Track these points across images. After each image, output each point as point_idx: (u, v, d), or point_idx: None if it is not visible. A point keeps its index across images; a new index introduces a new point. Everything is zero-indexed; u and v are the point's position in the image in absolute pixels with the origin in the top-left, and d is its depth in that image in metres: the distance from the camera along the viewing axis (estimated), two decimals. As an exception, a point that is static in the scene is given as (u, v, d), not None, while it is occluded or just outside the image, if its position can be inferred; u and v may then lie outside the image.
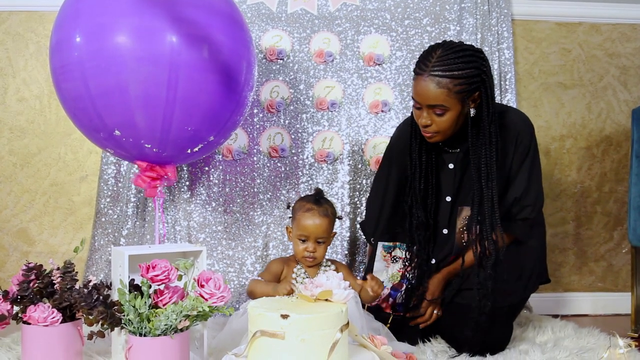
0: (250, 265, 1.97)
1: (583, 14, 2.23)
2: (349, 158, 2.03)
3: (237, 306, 1.83)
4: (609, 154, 2.24)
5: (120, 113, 1.39)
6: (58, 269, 1.35)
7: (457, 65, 1.38)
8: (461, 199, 1.56)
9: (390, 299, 1.61)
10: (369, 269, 1.69)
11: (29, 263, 1.34)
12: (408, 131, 1.57)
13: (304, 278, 1.54)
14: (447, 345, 1.52)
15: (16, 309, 1.30)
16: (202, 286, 1.20)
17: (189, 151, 1.54)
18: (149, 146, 1.45)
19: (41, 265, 1.36)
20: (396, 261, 1.64)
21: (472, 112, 1.46)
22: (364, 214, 2.03)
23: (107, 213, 1.98)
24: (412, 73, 1.47)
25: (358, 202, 2.03)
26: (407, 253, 1.60)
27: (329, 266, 1.58)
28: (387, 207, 1.69)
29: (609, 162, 2.24)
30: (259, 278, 1.52)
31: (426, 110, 1.42)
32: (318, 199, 1.57)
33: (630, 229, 1.85)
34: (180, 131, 1.45)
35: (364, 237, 2.02)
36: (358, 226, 2.02)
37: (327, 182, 2.03)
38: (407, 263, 1.59)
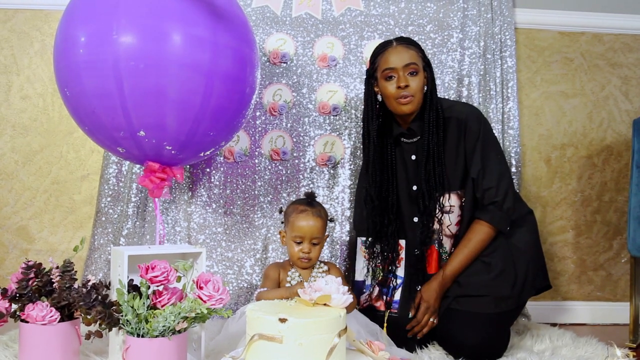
0: (249, 267, 1.97)
1: (586, 23, 2.23)
2: (350, 162, 2.04)
3: (235, 308, 1.84)
4: (609, 163, 2.24)
5: (153, 115, 1.40)
6: (57, 267, 1.36)
7: (414, 42, 1.65)
8: (431, 186, 1.62)
9: (383, 297, 1.63)
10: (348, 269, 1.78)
11: (28, 261, 1.34)
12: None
13: (299, 282, 1.54)
14: (444, 352, 1.52)
15: (14, 306, 1.30)
16: (201, 288, 1.20)
17: (202, 154, 1.58)
18: (170, 148, 1.47)
19: (40, 264, 1.36)
20: (375, 256, 1.68)
21: (425, 87, 1.61)
22: (363, 218, 2.04)
23: (107, 212, 1.98)
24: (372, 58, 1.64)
25: (358, 207, 2.03)
26: (367, 243, 1.69)
27: (322, 267, 1.59)
28: (359, 206, 1.79)
29: (609, 171, 2.24)
30: (264, 289, 1.52)
31: (402, 71, 1.57)
32: (310, 201, 1.59)
33: (630, 238, 1.85)
34: (204, 136, 1.50)
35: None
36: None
37: (328, 186, 2.03)
38: (369, 250, 1.67)
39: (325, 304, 1.14)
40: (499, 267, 1.53)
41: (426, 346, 1.54)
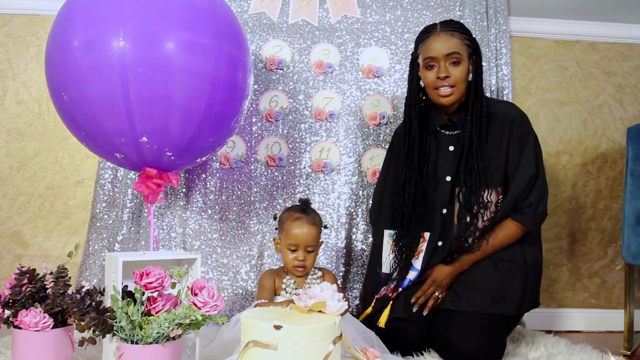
0: (244, 273, 1.97)
1: (580, 32, 2.25)
2: (346, 169, 2.04)
3: (231, 315, 1.83)
4: (604, 171, 2.25)
5: (157, 121, 1.40)
6: (51, 273, 1.35)
7: (460, 26, 1.58)
8: (458, 179, 1.57)
9: (400, 289, 1.59)
10: (371, 255, 1.74)
11: (22, 267, 1.33)
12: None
13: (293, 289, 1.54)
14: (440, 358, 1.51)
15: (7, 312, 1.29)
16: (196, 294, 1.19)
17: (198, 160, 1.59)
18: (170, 154, 1.48)
19: (34, 270, 1.35)
20: (400, 247, 1.63)
21: (470, 77, 1.55)
22: (360, 224, 2.03)
23: (102, 218, 1.97)
24: (415, 44, 1.61)
25: (354, 213, 2.03)
26: (395, 232, 1.64)
27: (316, 273, 1.58)
28: (387, 195, 1.73)
29: (604, 179, 2.25)
30: (262, 300, 1.51)
31: (443, 61, 1.51)
32: (305, 208, 1.58)
33: (624, 246, 1.86)
34: (204, 142, 1.51)
35: (359, 247, 2.02)
36: (354, 237, 2.03)
37: (324, 192, 2.03)
38: (395, 242, 1.63)
39: (320, 311, 1.13)
40: (505, 269, 1.53)
41: (422, 353, 1.54)
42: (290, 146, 2.04)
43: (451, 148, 1.60)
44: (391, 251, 1.65)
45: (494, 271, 1.53)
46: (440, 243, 1.58)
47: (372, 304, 1.62)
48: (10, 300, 1.30)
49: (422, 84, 1.60)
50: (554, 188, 2.22)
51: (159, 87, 1.37)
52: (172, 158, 1.49)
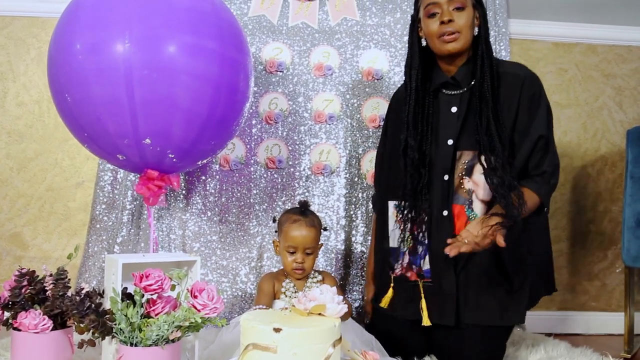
0: (244, 275, 1.97)
1: (580, 34, 2.26)
2: (346, 171, 2.04)
3: (230, 317, 1.83)
4: (604, 173, 2.25)
5: (161, 123, 1.41)
6: (51, 275, 1.35)
7: None
8: (463, 143, 1.46)
9: (414, 266, 1.49)
10: (376, 233, 1.64)
11: (22, 269, 1.33)
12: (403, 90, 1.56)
13: (293, 292, 1.54)
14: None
15: (7, 314, 1.29)
16: (195, 297, 1.19)
17: (199, 162, 1.60)
18: (172, 156, 1.48)
19: (34, 271, 1.35)
20: (406, 218, 1.50)
21: (476, 30, 1.46)
22: (359, 227, 2.03)
23: (102, 220, 1.97)
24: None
25: (354, 215, 2.03)
26: (400, 204, 1.50)
27: (316, 277, 1.58)
28: (386, 166, 1.64)
29: (603, 181, 2.25)
30: (260, 306, 1.50)
31: (446, 5, 1.44)
32: (304, 210, 1.58)
33: (624, 249, 1.86)
34: (206, 145, 1.52)
35: (359, 249, 2.02)
36: (353, 239, 2.03)
37: (323, 194, 2.03)
38: (400, 215, 1.49)
39: (319, 314, 1.13)
40: (515, 283, 1.44)
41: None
42: (290, 148, 2.04)
43: (454, 109, 1.48)
44: (396, 223, 1.53)
45: (501, 279, 1.44)
46: (445, 212, 1.46)
47: (392, 284, 1.52)
48: (10, 302, 1.30)
49: (423, 42, 1.50)
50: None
51: (163, 90, 1.38)
52: (174, 160, 1.50)
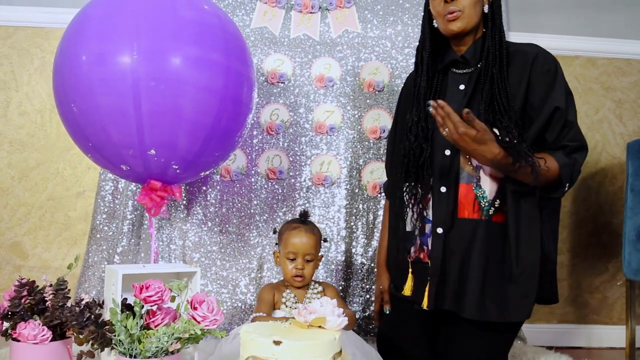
0: (244, 286, 1.96)
1: (579, 47, 2.27)
2: (346, 182, 2.04)
3: (230, 328, 1.82)
4: (604, 186, 2.25)
5: (166, 134, 1.42)
6: (51, 285, 1.34)
7: None
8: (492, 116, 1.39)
9: (425, 247, 1.45)
10: (390, 223, 1.59)
11: (22, 279, 1.33)
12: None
13: (293, 302, 1.54)
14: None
15: (6, 325, 1.29)
16: (195, 308, 1.19)
17: (202, 174, 1.61)
18: (176, 167, 1.49)
19: (34, 282, 1.35)
20: (412, 196, 1.47)
21: (486, 8, 1.44)
22: (360, 238, 2.03)
23: (102, 229, 1.97)
24: None
25: (354, 227, 2.03)
26: (404, 182, 1.47)
27: (317, 288, 1.58)
28: (396, 151, 1.61)
29: (604, 194, 2.25)
30: (260, 313, 1.50)
31: None
32: (304, 220, 1.60)
33: (625, 262, 1.86)
34: (209, 156, 1.54)
35: (359, 261, 2.02)
36: (354, 250, 2.02)
37: (324, 205, 2.03)
38: (409, 194, 1.45)
39: (320, 327, 1.13)
40: (518, 272, 1.36)
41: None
42: (291, 159, 2.05)
43: (461, 87, 1.46)
44: (408, 205, 1.48)
45: (503, 277, 1.37)
46: (443, 189, 1.41)
47: (410, 269, 1.47)
48: (9, 312, 1.29)
49: (435, 24, 1.49)
50: (554, 203, 2.22)
51: (169, 101, 1.39)
52: (178, 171, 1.51)
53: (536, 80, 1.40)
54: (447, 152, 1.43)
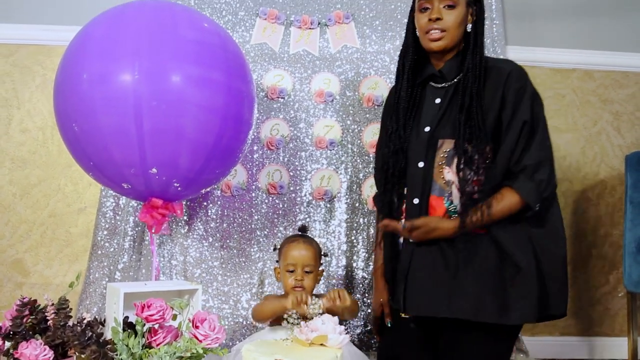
0: (245, 302, 1.96)
1: (577, 60, 2.29)
2: (347, 196, 2.05)
3: (232, 344, 1.82)
4: (603, 197, 2.26)
5: (168, 152, 1.43)
6: (52, 304, 1.35)
7: None
8: (440, 131, 1.44)
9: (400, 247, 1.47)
10: (376, 240, 1.61)
11: (24, 298, 1.33)
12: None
13: (295, 318, 1.54)
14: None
15: (8, 344, 1.29)
16: (197, 327, 1.19)
17: (202, 191, 1.62)
18: (177, 185, 1.50)
19: (35, 300, 1.35)
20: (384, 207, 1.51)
21: (469, 27, 1.46)
22: (360, 252, 2.03)
23: (103, 246, 1.98)
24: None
25: (355, 241, 2.03)
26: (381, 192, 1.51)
27: (316, 303, 1.58)
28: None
29: (604, 205, 2.26)
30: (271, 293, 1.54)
31: (437, 2, 1.43)
32: (302, 234, 1.63)
33: (626, 274, 1.86)
34: (210, 174, 1.55)
35: (360, 275, 2.02)
36: (354, 264, 2.02)
37: (325, 220, 2.04)
38: (384, 200, 1.50)
39: (322, 344, 1.13)
40: (509, 276, 1.34)
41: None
42: (291, 174, 2.06)
43: (437, 100, 1.48)
44: (386, 215, 1.50)
45: (496, 280, 1.34)
46: (416, 201, 1.42)
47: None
48: (11, 332, 1.30)
49: (418, 33, 1.50)
50: (554, 215, 2.22)
51: (171, 120, 1.41)
52: (179, 189, 1.52)
53: (509, 99, 1.41)
54: (421, 165, 1.45)
